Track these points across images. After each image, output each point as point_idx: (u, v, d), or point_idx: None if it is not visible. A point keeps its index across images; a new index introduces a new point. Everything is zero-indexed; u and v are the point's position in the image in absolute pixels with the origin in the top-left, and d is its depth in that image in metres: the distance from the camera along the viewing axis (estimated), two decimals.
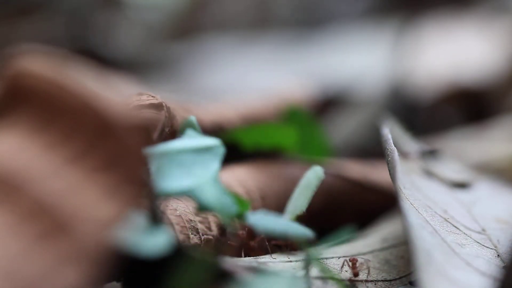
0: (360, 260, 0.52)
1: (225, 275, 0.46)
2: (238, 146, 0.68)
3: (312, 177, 0.53)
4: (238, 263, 0.48)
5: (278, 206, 0.61)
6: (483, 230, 0.55)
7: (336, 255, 0.54)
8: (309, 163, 0.70)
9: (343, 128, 1.01)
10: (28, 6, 1.61)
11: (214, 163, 0.47)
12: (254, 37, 1.62)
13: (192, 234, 0.53)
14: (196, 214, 0.54)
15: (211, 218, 0.55)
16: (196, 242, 0.53)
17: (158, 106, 0.54)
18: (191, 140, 0.48)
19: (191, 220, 0.53)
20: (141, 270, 0.46)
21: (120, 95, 0.40)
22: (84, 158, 0.39)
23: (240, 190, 0.59)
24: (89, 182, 0.38)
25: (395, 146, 0.55)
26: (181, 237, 0.52)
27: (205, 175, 0.46)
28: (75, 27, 1.60)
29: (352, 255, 0.55)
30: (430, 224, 0.51)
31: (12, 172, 0.38)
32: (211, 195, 0.45)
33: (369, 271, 0.52)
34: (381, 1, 1.63)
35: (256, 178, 0.62)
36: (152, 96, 0.55)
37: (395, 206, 0.65)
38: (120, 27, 1.67)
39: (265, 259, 0.51)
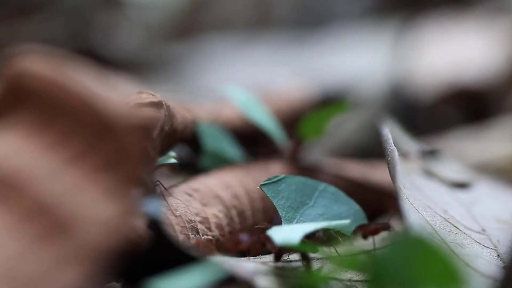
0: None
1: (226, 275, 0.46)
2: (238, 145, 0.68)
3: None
4: (239, 263, 0.48)
5: None
6: (483, 230, 0.55)
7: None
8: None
9: (343, 128, 1.01)
10: (28, 6, 1.61)
11: None
12: (254, 37, 1.62)
13: (192, 234, 0.53)
14: None
15: (211, 219, 0.55)
16: (196, 243, 0.53)
17: (158, 105, 0.54)
18: None
19: (191, 221, 0.53)
20: (141, 270, 0.46)
21: (120, 95, 0.40)
22: (84, 158, 0.39)
23: (240, 190, 0.59)
24: (89, 182, 0.38)
25: (395, 146, 0.55)
26: (181, 237, 0.52)
27: None
28: (75, 27, 1.60)
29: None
30: (430, 224, 0.51)
31: (12, 172, 0.38)
32: None
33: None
34: (381, 1, 1.63)
35: (256, 178, 0.62)
36: (152, 95, 0.55)
37: (395, 206, 0.65)
38: (120, 27, 1.67)
39: (265, 259, 0.51)
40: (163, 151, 0.59)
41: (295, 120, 0.83)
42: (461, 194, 0.62)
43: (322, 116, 0.67)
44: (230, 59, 1.48)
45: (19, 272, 0.35)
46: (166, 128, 0.55)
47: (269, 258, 0.51)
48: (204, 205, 0.56)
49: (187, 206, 0.54)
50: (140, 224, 0.46)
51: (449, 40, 1.29)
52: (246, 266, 0.48)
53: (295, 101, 0.84)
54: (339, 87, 1.17)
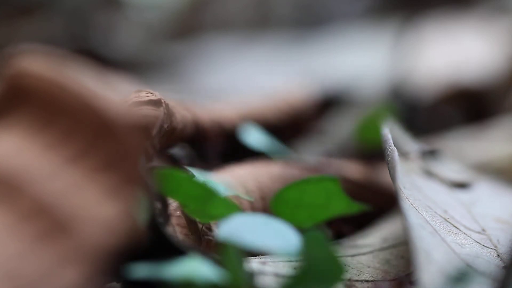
0: None
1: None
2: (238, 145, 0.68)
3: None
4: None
5: None
6: (483, 230, 0.55)
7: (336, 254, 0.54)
8: (308, 164, 0.70)
9: (343, 128, 1.01)
10: (28, 6, 1.61)
11: None
12: (254, 37, 1.62)
13: (192, 234, 0.53)
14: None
15: None
16: (196, 243, 0.53)
17: (157, 103, 0.54)
18: None
19: (191, 221, 0.53)
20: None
21: (120, 95, 0.40)
22: (84, 158, 0.39)
23: (240, 191, 0.59)
24: (89, 182, 0.38)
25: (395, 146, 0.55)
26: (181, 237, 0.52)
27: None
28: (75, 27, 1.60)
29: (352, 255, 0.55)
30: (430, 224, 0.51)
31: (12, 172, 0.38)
32: None
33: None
34: (381, 1, 1.63)
35: (256, 178, 0.62)
36: (151, 93, 0.55)
37: (395, 206, 0.65)
38: (120, 27, 1.67)
39: (265, 259, 0.51)
40: (163, 150, 0.59)
41: (296, 121, 0.83)
42: (461, 194, 0.62)
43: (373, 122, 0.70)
44: (230, 59, 1.48)
45: (19, 272, 0.35)
46: (165, 126, 0.55)
47: (269, 257, 0.51)
48: None
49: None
50: (140, 224, 0.46)
51: (449, 40, 1.29)
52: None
53: (296, 101, 0.84)
54: (339, 87, 1.17)
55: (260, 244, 0.45)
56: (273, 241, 0.46)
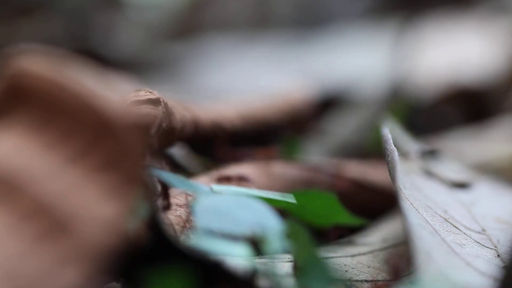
0: None
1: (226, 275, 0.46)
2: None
3: None
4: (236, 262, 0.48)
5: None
6: (483, 230, 0.55)
7: (336, 254, 0.54)
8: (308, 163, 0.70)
9: (343, 128, 1.01)
10: (28, 6, 1.61)
11: None
12: (254, 37, 1.62)
13: (192, 234, 0.53)
14: None
15: None
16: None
17: (156, 102, 0.54)
18: None
19: (191, 221, 0.53)
20: (140, 270, 0.46)
21: (120, 95, 0.40)
22: (84, 158, 0.39)
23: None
24: (89, 182, 0.38)
25: (395, 146, 0.55)
26: (181, 237, 0.52)
27: None
28: (75, 27, 1.60)
29: (352, 255, 0.55)
30: (430, 224, 0.51)
31: (12, 172, 0.38)
32: None
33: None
34: (381, 1, 1.63)
35: (256, 178, 0.62)
36: (150, 92, 0.55)
37: (395, 206, 0.65)
38: (120, 27, 1.67)
39: (265, 259, 0.51)
40: (162, 150, 0.59)
41: (296, 121, 0.83)
42: (461, 194, 0.62)
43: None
44: (230, 59, 1.48)
45: (19, 272, 0.35)
46: (164, 125, 0.55)
47: (269, 258, 0.51)
48: None
49: (187, 206, 0.54)
50: (140, 224, 0.46)
51: (449, 40, 1.29)
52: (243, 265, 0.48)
53: (296, 101, 0.84)
54: (339, 87, 1.17)
55: (237, 229, 0.45)
56: (252, 224, 0.45)
